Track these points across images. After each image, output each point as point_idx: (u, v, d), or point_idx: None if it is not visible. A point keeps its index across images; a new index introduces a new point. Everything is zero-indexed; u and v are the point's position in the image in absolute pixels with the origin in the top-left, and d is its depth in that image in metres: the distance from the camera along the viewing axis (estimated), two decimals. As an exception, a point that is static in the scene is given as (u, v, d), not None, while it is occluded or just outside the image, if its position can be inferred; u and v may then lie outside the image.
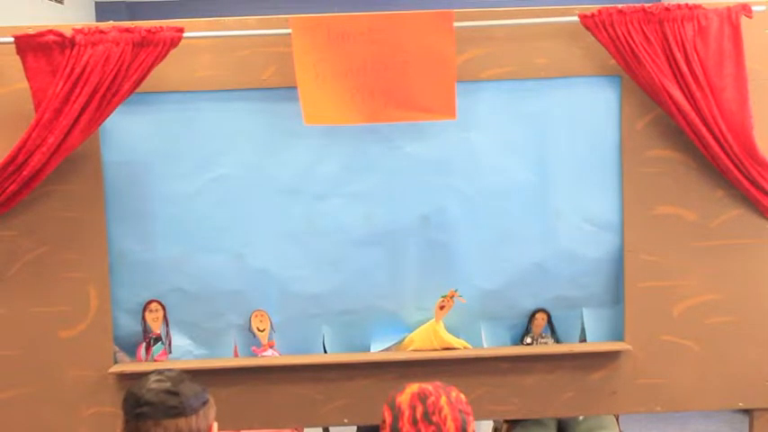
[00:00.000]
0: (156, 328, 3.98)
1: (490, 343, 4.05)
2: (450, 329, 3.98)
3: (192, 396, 2.67)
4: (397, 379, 3.91)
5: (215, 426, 2.75)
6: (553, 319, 4.08)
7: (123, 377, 3.89)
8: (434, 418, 2.48)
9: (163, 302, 3.98)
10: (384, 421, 2.53)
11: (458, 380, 3.77)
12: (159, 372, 2.75)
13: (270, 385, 3.96)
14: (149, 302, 3.97)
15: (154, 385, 2.67)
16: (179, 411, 2.63)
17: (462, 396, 2.58)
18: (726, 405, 4.10)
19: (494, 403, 3.99)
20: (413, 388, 2.57)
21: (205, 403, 2.71)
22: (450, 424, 2.47)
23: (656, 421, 6.03)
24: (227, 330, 4.03)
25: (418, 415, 2.49)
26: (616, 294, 4.04)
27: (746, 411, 4.14)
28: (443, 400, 2.53)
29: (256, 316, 3.99)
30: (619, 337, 4.02)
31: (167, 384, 2.67)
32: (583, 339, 4.09)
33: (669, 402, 4.02)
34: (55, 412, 3.93)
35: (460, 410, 2.52)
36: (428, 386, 2.57)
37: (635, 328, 3.97)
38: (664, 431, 6.04)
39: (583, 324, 4.08)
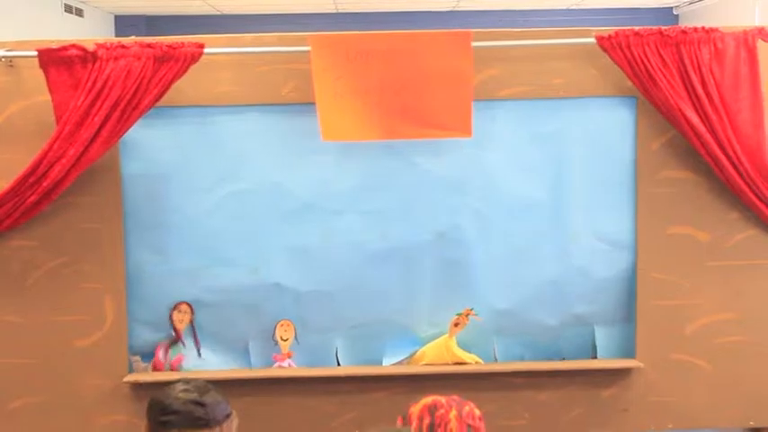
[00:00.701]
0: (181, 329, 4.00)
1: (502, 358, 4.08)
2: (462, 345, 4.01)
3: (217, 408, 2.68)
4: (408, 392, 3.90)
5: None
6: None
7: (138, 386, 3.92)
8: (439, 431, 2.50)
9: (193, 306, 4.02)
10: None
11: (469, 394, 3.74)
12: (186, 381, 2.76)
13: (283, 397, 3.99)
14: (180, 303, 4.00)
15: (181, 395, 2.68)
16: (204, 423, 2.64)
17: (477, 411, 2.60)
18: (737, 424, 4.12)
19: (505, 418, 4.00)
20: (426, 400, 2.60)
21: (228, 416, 2.73)
22: None
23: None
24: (242, 343, 4.05)
25: (424, 426, 2.51)
26: (628, 312, 4.05)
27: (757, 430, 4.14)
28: (453, 414, 2.54)
29: (282, 325, 4.02)
30: (630, 354, 4.04)
31: (194, 395, 2.68)
32: (594, 356, 4.10)
33: (680, 420, 4.03)
34: (70, 421, 3.96)
35: (469, 425, 2.53)
36: (442, 399, 2.59)
37: (646, 345, 3.99)
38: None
39: (594, 341, 4.09)
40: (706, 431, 4.11)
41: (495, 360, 4.08)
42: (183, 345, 4.02)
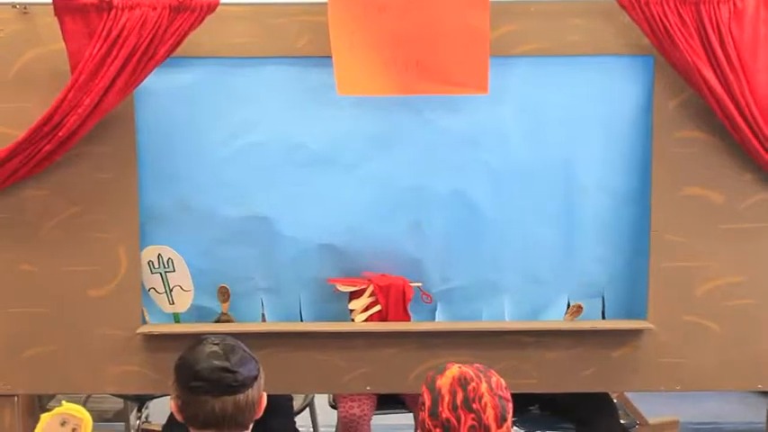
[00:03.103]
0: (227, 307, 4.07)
1: (512, 317, 4.08)
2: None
3: (246, 371, 2.74)
4: (418, 349, 3.97)
5: (264, 396, 2.82)
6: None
7: (151, 338, 3.94)
8: (474, 406, 2.48)
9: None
10: (423, 404, 2.54)
11: (479, 352, 3.83)
12: (213, 341, 2.80)
13: (295, 351, 4.00)
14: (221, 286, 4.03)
15: (212, 360, 2.72)
16: (235, 389, 2.70)
17: (502, 381, 2.59)
18: (745, 386, 4.14)
19: (515, 377, 3.98)
20: (453, 371, 2.57)
21: (257, 377, 2.77)
22: (489, 412, 2.48)
23: (672, 399, 6.04)
24: (255, 294, 4.07)
25: (458, 401, 2.49)
26: (640, 273, 4.04)
27: (765, 393, 4.16)
28: (484, 386, 2.52)
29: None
30: (641, 315, 4.03)
31: (223, 361, 2.72)
32: (604, 317, 4.11)
33: (689, 382, 4.04)
34: (82, 370, 3.98)
35: (500, 397, 2.52)
36: (469, 370, 2.57)
37: (657, 307, 3.98)
38: (678, 408, 6.05)
39: (605, 301, 4.10)
40: (715, 393, 4.12)
41: (505, 318, 4.09)
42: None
